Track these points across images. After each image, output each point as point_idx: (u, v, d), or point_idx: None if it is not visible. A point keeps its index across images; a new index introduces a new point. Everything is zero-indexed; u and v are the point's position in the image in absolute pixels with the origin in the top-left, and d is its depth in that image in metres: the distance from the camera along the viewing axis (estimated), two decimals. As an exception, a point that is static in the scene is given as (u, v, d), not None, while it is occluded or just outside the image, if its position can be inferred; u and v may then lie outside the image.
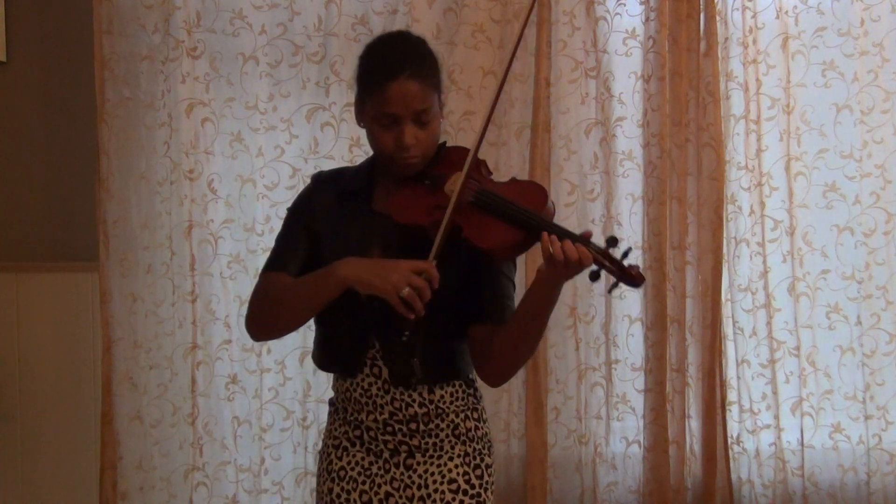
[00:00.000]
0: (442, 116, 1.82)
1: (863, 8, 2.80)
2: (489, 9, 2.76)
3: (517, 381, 2.80)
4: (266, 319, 1.84)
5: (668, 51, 2.76)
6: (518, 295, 1.82)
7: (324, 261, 1.78)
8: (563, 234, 1.62)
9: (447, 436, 1.82)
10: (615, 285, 1.63)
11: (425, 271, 1.64)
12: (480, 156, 1.79)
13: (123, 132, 2.74)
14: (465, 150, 1.80)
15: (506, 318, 1.78)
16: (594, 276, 1.63)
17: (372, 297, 1.70)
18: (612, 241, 1.61)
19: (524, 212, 1.66)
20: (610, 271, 1.60)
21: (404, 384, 1.78)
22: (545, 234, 1.61)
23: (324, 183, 1.89)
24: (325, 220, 1.83)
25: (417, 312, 1.63)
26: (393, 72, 1.70)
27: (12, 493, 2.92)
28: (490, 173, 1.82)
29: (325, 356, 1.87)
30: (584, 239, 1.62)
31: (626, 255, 1.62)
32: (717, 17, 2.77)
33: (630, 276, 1.59)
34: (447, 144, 1.84)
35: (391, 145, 1.73)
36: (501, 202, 1.69)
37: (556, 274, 1.63)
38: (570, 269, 1.60)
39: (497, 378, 1.82)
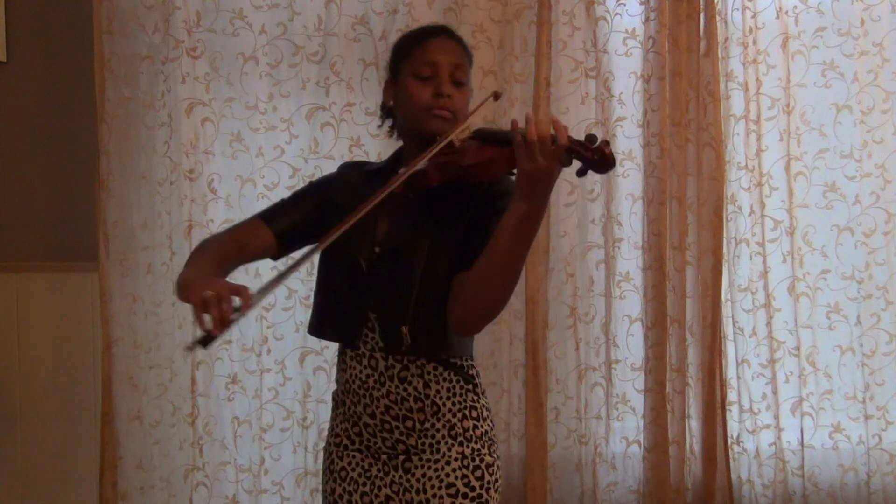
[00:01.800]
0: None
1: (863, 8, 2.80)
2: (489, 9, 2.76)
3: (517, 382, 2.80)
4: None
5: (668, 51, 2.76)
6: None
7: (332, 227, 1.79)
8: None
9: (444, 437, 1.81)
10: (584, 170, 1.60)
11: (240, 293, 1.58)
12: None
13: (123, 132, 2.74)
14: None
15: None
16: (566, 161, 1.59)
17: (373, 265, 1.77)
18: (591, 138, 1.59)
19: (511, 132, 1.65)
20: (580, 156, 1.58)
21: (393, 350, 1.77)
22: (525, 119, 1.61)
23: (350, 166, 1.99)
24: (342, 192, 1.88)
25: (213, 323, 1.54)
26: (434, 31, 1.85)
27: (12, 493, 2.92)
28: None
29: (322, 322, 1.87)
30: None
31: (603, 144, 1.59)
32: (717, 17, 2.77)
33: (603, 155, 1.56)
34: None
35: (427, 96, 1.78)
36: (497, 132, 1.74)
37: (529, 159, 1.56)
38: (544, 147, 1.55)
39: (463, 318, 1.71)
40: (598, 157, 1.57)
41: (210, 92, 2.75)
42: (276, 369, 2.80)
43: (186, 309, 2.70)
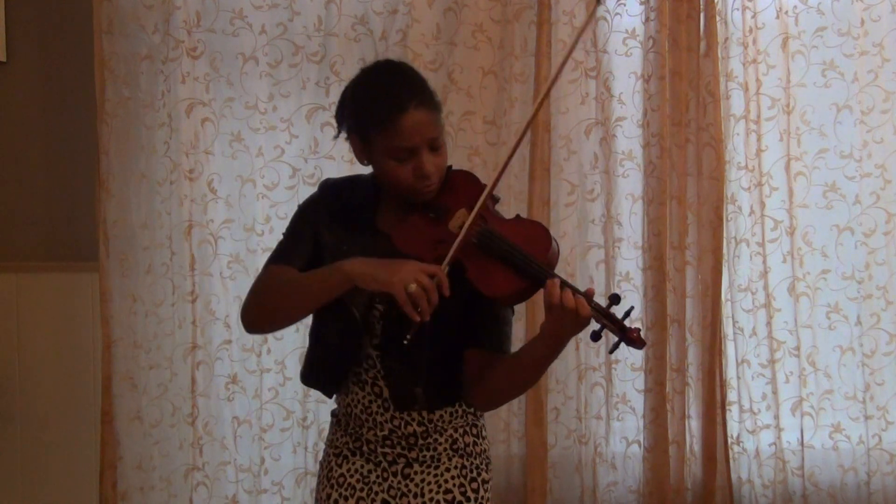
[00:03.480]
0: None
1: (863, 8, 2.80)
2: (489, 9, 2.76)
3: (517, 381, 2.80)
4: (266, 308, 1.82)
5: (668, 51, 2.76)
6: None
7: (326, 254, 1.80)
8: (565, 286, 1.61)
9: (445, 449, 1.83)
10: (616, 346, 1.62)
11: (436, 274, 1.61)
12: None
13: (123, 132, 2.74)
14: (469, 176, 1.80)
15: (503, 345, 1.80)
16: (595, 337, 1.62)
17: (367, 313, 1.75)
18: (615, 299, 1.61)
19: (528, 259, 1.64)
20: (611, 330, 1.59)
21: (406, 409, 1.79)
22: (549, 281, 1.61)
23: (331, 190, 1.88)
24: (328, 230, 1.82)
25: (423, 313, 1.60)
26: (402, 105, 1.68)
27: (12, 493, 2.92)
28: (495, 203, 1.80)
29: (311, 372, 1.88)
30: (587, 295, 1.60)
31: (627, 315, 1.61)
32: (717, 17, 2.77)
33: (630, 339, 1.58)
34: (452, 167, 1.82)
35: (410, 178, 1.71)
36: (505, 246, 1.67)
37: (556, 325, 1.61)
38: (568, 319, 1.58)
39: (484, 406, 1.84)
40: (627, 340, 1.60)
41: (210, 92, 2.75)
42: (276, 369, 2.80)
43: (186, 309, 2.74)
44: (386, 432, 1.81)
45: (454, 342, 1.78)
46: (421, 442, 1.81)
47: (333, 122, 2.67)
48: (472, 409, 1.87)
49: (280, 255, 1.85)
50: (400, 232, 1.74)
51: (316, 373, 1.86)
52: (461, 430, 1.84)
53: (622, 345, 1.62)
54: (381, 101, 1.70)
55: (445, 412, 1.82)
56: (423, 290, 1.59)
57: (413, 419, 1.80)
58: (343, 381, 1.83)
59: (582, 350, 2.81)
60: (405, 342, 1.63)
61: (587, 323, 1.59)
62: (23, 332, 2.91)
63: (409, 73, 1.79)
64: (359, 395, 1.82)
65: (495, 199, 1.80)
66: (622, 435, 2.84)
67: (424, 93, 1.73)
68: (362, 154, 1.78)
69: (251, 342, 2.78)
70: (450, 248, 1.66)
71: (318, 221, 1.84)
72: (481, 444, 1.88)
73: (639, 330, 1.60)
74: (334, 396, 1.91)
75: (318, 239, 1.83)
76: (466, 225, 1.67)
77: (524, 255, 1.65)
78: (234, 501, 2.79)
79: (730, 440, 2.81)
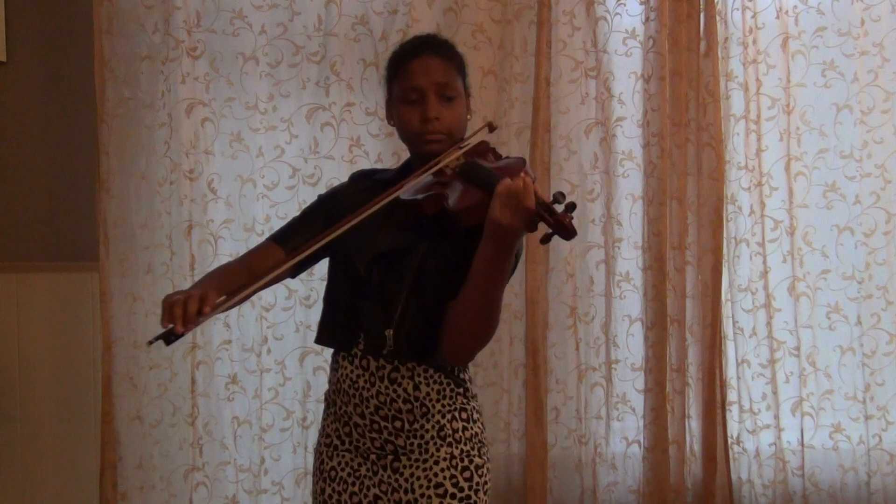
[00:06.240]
0: (468, 113, 1.89)
1: (863, 8, 2.80)
2: (489, 9, 2.76)
3: (517, 382, 2.80)
4: None
5: (668, 51, 2.76)
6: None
7: (342, 241, 1.79)
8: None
9: (432, 437, 1.81)
10: (549, 236, 1.62)
11: (207, 296, 1.63)
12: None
13: (123, 132, 2.74)
14: (483, 142, 1.85)
15: None
16: (531, 227, 1.61)
17: (370, 271, 1.79)
18: (559, 196, 1.60)
19: (496, 176, 1.66)
20: (546, 221, 1.60)
21: (375, 352, 1.78)
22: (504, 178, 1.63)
23: (361, 175, 2.00)
24: (349, 204, 1.85)
25: (176, 318, 1.60)
26: (415, 51, 1.84)
27: (12, 493, 2.92)
28: (498, 158, 1.85)
29: (324, 330, 1.89)
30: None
31: (568, 209, 1.60)
32: (717, 17, 2.77)
33: (562, 226, 1.58)
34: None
35: (416, 121, 1.80)
36: (481, 171, 1.73)
37: (499, 210, 1.60)
38: (512, 202, 1.58)
39: (453, 353, 1.78)
40: (559, 228, 1.59)
41: (210, 92, 2.75)
42: (276, 369, 2.80)
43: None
44: (372, 409, 1.80)
45: (436, 299, 1.76)
46: (408, 427, 1.80)
47: (334, 122, 2.75)
48: (461, 390, 1.84)
49: (279, 235, 1.94)
50: (406, 183, 1.80)
51: (329, 330, 1.88)
52: (449, 416, 1.82)
53: (555, 236, 1.61)
54: (400, 53, 1.87)
55: (432, 389, 1.80)
56: (185, 299, 1.61)
57: (399, 395, 1.79)
58: (354, 339, 1.82)
59: (582, 350, 2.81)
60: (147, 343, 1.67)
61: (529, 212, 1.58)
62: (23, 332, 2.91)
63: (434, 34, 1.95)
64: (347, 369, 1.82)
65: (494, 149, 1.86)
66: (622, 435, 2.84)
67: (442, 46, 1.87)
68: (388, 111, 1.90)
69: (251, 342, 2.79)
70: (443, 188, 1.73)
71: (337, 203, 1.90)
72: (472, 429, 1.85)
73: (572, 218, 1.60)
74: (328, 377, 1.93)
75: (334, 220, 1.84)
76: (452, 154, 1.76)
77: (493, 174, 1.68)
78: (234, 501, 2.79)
79: (730, 440, 2.81)
